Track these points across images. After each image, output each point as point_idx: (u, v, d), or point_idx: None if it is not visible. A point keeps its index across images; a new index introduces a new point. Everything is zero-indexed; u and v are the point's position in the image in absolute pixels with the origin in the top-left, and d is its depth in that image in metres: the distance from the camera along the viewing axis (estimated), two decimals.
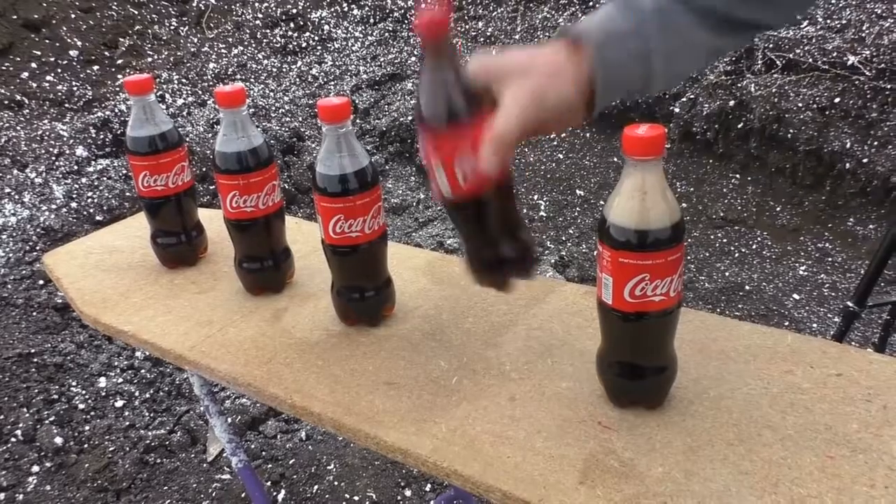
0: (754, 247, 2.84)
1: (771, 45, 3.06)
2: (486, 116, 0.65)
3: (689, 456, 0.68)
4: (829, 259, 2.75)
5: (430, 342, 0.91)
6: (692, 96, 3.15)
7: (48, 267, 1.20)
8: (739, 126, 3.00)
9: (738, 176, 3.10)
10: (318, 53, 4.16)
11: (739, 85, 3.00)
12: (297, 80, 3.92)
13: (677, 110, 3.17)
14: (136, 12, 4.25)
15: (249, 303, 1.03)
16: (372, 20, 4.42)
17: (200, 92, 3.74)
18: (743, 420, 0.72)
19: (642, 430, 0.72)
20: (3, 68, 3.64)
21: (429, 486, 1.96)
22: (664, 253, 0.67)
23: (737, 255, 2.82)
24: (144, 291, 1.08)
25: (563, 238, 2.98)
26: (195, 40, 4.20)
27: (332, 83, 3.92)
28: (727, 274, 2.71)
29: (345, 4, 4.57)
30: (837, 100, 2.86)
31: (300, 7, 4.46)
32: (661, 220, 0.67)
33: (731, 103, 2.99)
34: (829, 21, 3.13)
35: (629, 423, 0.73)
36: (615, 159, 3.38)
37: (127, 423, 2.14)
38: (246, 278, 1.04)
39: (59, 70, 3.75)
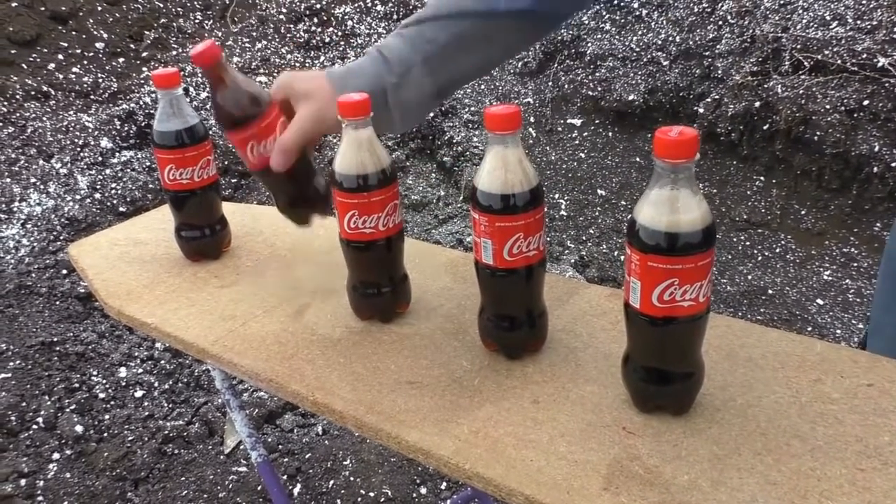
0: (778, 250, 2.81)
1: (799, 46, 3.02)
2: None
3: (715, 464, 0.67)
4: (855, 264, 2.71)
5: (453, 342, 0.90)
6: (717, 97, 3.11)
7: (73, 258, 1.21)
8: (765, 127, 2.96)
9: (762, 178, 3.06)
10: (340, 49, 4.17)
11: (766, 86, 2.96)
12: None
13: (701, 111, 3.14)
14: (161, 5, 4.28)
15: (272, 298, 1.03)
16: (395, 16, 4.41)
17: None
18: (771, 429, 0.71)
19: (668, 437, 0.71)
20: (31, 59, 3.67)
21: (444, 484, 1.96)
22: (694, 257, 0.66)
23: (760, 258, 2.78)
24: (168, 284, 1.09)
25: (584, 238, 2.97)
26: (219, 34, 4.22)
27: None
28: (750, 277, 2.68)
29: (368, 0, 4.57)
30: (866, 102, 2.81)
31: (324, 2, 4.46)
32: (692, 223, 0.66)
33: (757, 104, 2.95)
34: (859, 22, 3.08)
35: (654, 429, 0.72)
36: (638, 159, 3.35)
37: (146, 414, 2.16)
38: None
39: (85, 62, 3.78)
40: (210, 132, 1.06)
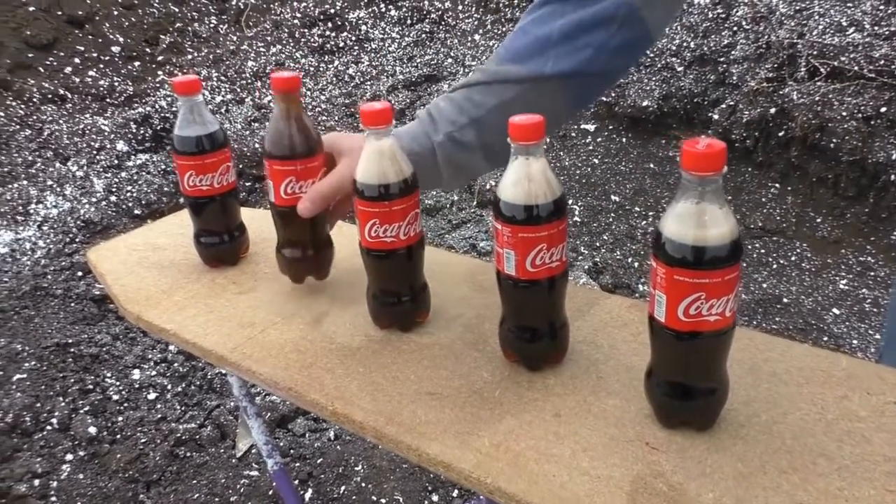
0: (793, 258, 2.79)
1: (815, 53, 3.00)
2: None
3: (740, 482, 0.66)
4: (872, 273, 2.69)
5: (473, 352, 0.90)
6: (732, 103, 3.10)
7: (92, 262, 1.21)
8: (780, 134, 2.94)
9: (777, 185, 3.04)
10: (354, 53, 4.18)
11: (781, 92, 2.94)
12: (334, 79, 3.93)
13: (716, 117, 3.12)
14: (176, 10, 4.31)
15: (290, 305, 1.03)
16: (409, 21, 4.43)
17: (238, 89, 3.77)
18: (796, 447, 0.70)
19: (692, 454, 0.70)
20: (48, 63, 3.70)
21: (455, 491, 1.95)
22: (722, 271, 0.65)
23: (775, 266, 2.76)
24: (186, 290, 1.09)
25: (597, 244, 2.95)
26: (234, 38, 4.24)
27: (369, 83, 3.93)
28: (765, 286, 2.66)
29: (382, 5, 4.58)
30: (884, 109, 2.79)
31: (338, 7, 4.48)
32: (720, 237, 0.65)
33: (772, 111, 2.94)
34: (876, 28, 3.06)
35: (678, 445, 0.71)
36: (652, 165, 3.34)
37: (159, 416, 2.16)
38: (290, 266, 1.04)
39: (102, 65, 3.81)
40: (230, 139, 1.07)
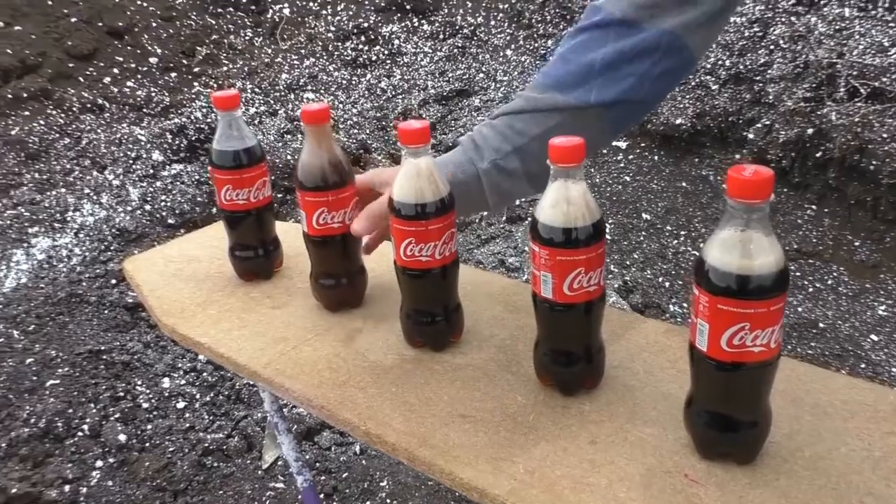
0: (830, 282, 2.73)
1: (855, 73, 2.95)
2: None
3: None
4: None
5: (506, 374, 0.89)
6: (768, 122, 3.06)
7: (128, 273, 1.22)
8: (818, 155, 2.89)
9: (814, 207, 2.98)
10: (387, 67, 4.20)
11: (819, 112, 2.89)
12: (366, 92, 3.96)
13: (751, 136, 3.08)
14: (213, 22, 4.37)
15: (323, 321, 1.03)
16: (441, 36, 4.45)
17: (272, 101, 3.82)
18: (842, 484, 0.67)
19: (732, 487, 0.68)
20: (87, 73, 3.78)
21: None
22: (767, 302, 0.64)
23: (811, 289, 2.71)
24: (221, 304, 1.09)
25: (628, 262, 2.92)
26: (269, 51, 4.30)
27: (400, 97, 3.95)
28: (800, 309, 2.61)
29: (415, 20, 4.61)
30: None
31: (371, 21, 4.52)
32: (766, 266, 0.63)
33: (810, 131, 2.89)
34: None
35: (718, 478, 0.70)
36: (684, 184, 3.30)
37: (187, 425, 2.18)
38: (323, 295, 1.04)
39: (139, 76, 3.88)
40: (267, 154, 1.08)
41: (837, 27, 3.19)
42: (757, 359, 0.66)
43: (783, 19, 3.41)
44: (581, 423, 0.79)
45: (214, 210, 3.08)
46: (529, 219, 3.17)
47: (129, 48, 3.99)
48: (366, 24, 4.48)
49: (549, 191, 0.76)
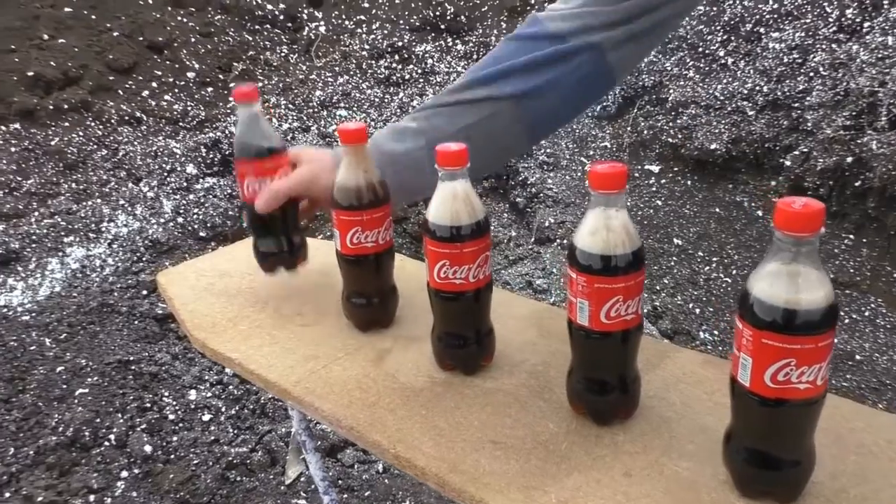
0: (867, 314, 2.67)
1: None
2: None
3: None
4: None
5: (538, 401, 0.87)
6: (805, 150, 3.01)
7: (161, 285, 1.23)
8: (857, 184, 2.84)
9: (851, 236, 2.92)
10: (419, 86, 4.23)
11: (859, 141, 2.84)
12: (398, 110, 3.98)
13: (788, 163, 3.04)
14: (250, 38, 4.45)
15: (353, 340, 1.02)
16: (475, 56, 4.46)
17: (305, 118, 3.85)
18: None
19: None
20: (127, 86, 3.86)
21: None
22: (815, 338, 0.62)
23: (847, 321, 2.65)
24: (251, 319, 1.09)
25: (658, 288, 2.89)
26: (304, 68, 4.35)
27: None
28: (836, 341, 2.55)
29: (449, 40, 4.64)
30: None
31: (406, 40, 4.56)
32: (814, 301, 0.61)
33: (849, 160, 2.84)
34: None
35: None
36: (717, 210, 3.26)
37: (212, 438, 2.18)
38: (354, 314, 1.04)
39: (177, 90, 3.95)
40: (287, 146, 1.09)
41: (880, 55, 3.14)
42: (802, 396, 0.64)
43: (824, 46, 3.37)
44: (615, 455, 0.77)
45: (244, 224, 3.11)
46: (554, 237, 3.15)
47: (167, 63, 4.07)
48: (400, 44, 4.52)
49: (589, 217, 0.75)
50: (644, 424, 0.82)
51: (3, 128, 3.40)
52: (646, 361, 0.92)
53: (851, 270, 2.82)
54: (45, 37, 3.87)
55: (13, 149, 3.31)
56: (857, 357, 2.46)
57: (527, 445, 0.79)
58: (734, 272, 2.94)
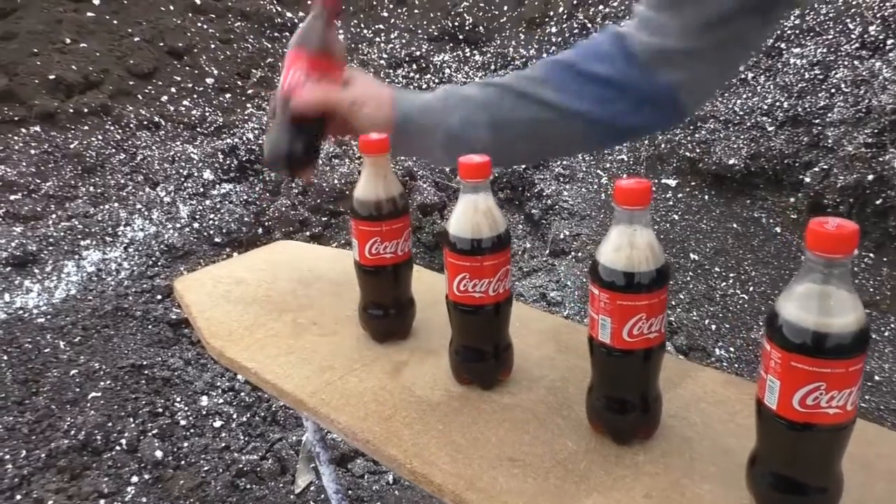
0: (887, 334, 2.63)
1: None
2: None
3: None
4: None
5: (557, 418, 0.86)
6: (826, 166, 2.98)
7: (178, 292, 1.23)
8: (878, 202, 2.81)
9: (871, 255, 2.89)
10: None
11: (881, 159, 2.81)
12: None
13: (808, 180, 3.01)
14: (269, 46, 4.47)
15: (369, 352, 1.02)
16: (493, 66, 4.47)
17: None
18: None
19: None
20: (146, 91, 3.89)
21: None
22: (846, 362, 0.60)
23: None
24: (267, 328, 1.09)
25: (673, 303, 2.86)
26: None
27: None
28: None
29: (467, 50, 4.65)
30: None
31: (424, 50, 4.57)
32: (846, 325, 0.60)
33: (870, 177, 2.81)
34: None
35: None
36: (734, 225, 3.23)
37: (223, 445, 2.17)
38: (371, 325, 1.03)
39: (195, 96, 3.97)
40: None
41: None
42: (831, 421, 0.62)
43: (846, 63, 3.35)
44: (635, 475, 0.76)
45: (260, 230, 3.11)
46: (569, 249, 3.14)
47: (187, 68, 4.10)
48: (418, 53, 4.53)
49: (613, 233, 0.74)
50: (665, 445, 0.80)
51: (24, 130, 3.43)
52: (666, 380, 0.91)
53: (871, 289, 2.79)
54: (68, 41, 3.90)
55: (33, 151, 3.33)
56: (877, 377, 2.43)
57: (545, 464, 0.78)
58: (751, 288, 2.91)
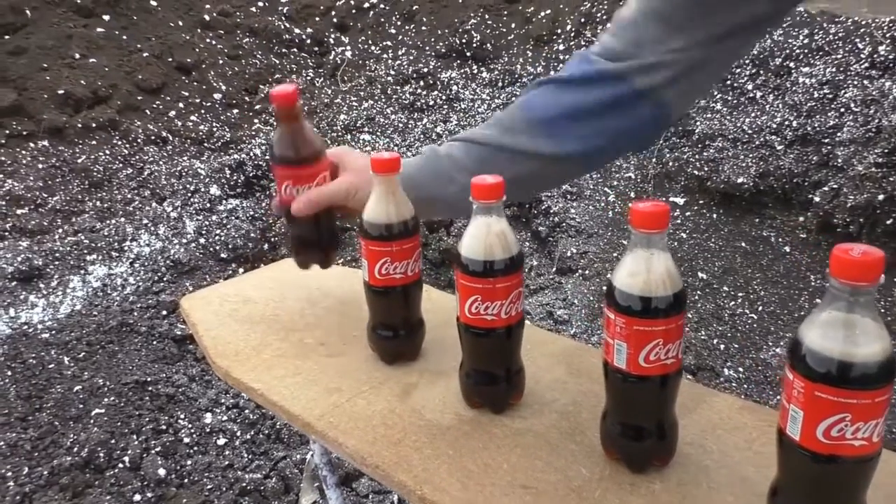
0: None
1: None
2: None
3: None
4: None
5: (570, 443, 0.84)
6: (835, 186, 2.96)
7: (185, 310, 1.22)
8: (888, 222, 2.78)
9: (882, 277, 2.86)
10: (444, 112, 4.24)
11: (891, 178, 2.79)
12: (422, 136, 3.99)
13: (817, 199, 2.99)
14: (277, 62, 4.49)
15: (378, 373, 1.00)
16: (500, 84, 4.47)
17: (329, 141, 3.87)
18: None
19: None
20: (154, 106, 3.90)
21: None
22: (873, 392, 0.58)
23: None
24: (274, 348, 1.07)
25: None
26: (329, 92, 4.38)
27: None
28: None
29: (475, 67, 4.66)
30: None
31: (431, 67, 4.58)
32: (872, 354, 0.58)
33: (881, 197, 2.78)
34: None
35: None
36: (743, 244, 3.21)
37: (226, 463, 2.15)
38: (380, 346, 1.02)
39: (203, 111, 3.99)
40: (325, 152, 1.07)
41: None
42: (857, 453, 0.60)
43: (855, 82, 3.34)
44: None
45: (266, 246, 3.11)
46: (576, 267, 3.12)
47: (195, 84, 4.12)
48: (425, 70, 4.54)
49: (629, 256, 0.72)
50: (681, 473, 0.78)
51: (32, 145, 3.45)
52: (681, 405, 0.89)
53: (882, 311, 2.76)
54: (77, 56, 3.93)
55: (40, 165, 3.34)
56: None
57: (559, 491, 0.76)
58: (760, 308, 2.88)
